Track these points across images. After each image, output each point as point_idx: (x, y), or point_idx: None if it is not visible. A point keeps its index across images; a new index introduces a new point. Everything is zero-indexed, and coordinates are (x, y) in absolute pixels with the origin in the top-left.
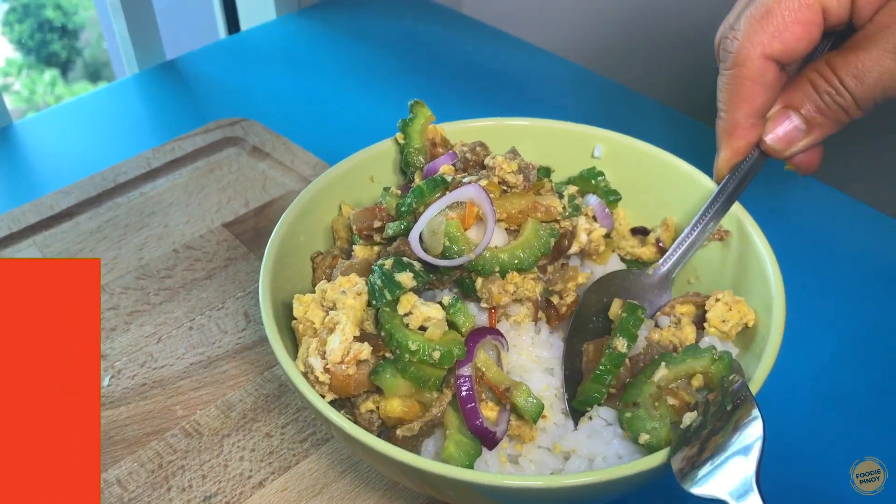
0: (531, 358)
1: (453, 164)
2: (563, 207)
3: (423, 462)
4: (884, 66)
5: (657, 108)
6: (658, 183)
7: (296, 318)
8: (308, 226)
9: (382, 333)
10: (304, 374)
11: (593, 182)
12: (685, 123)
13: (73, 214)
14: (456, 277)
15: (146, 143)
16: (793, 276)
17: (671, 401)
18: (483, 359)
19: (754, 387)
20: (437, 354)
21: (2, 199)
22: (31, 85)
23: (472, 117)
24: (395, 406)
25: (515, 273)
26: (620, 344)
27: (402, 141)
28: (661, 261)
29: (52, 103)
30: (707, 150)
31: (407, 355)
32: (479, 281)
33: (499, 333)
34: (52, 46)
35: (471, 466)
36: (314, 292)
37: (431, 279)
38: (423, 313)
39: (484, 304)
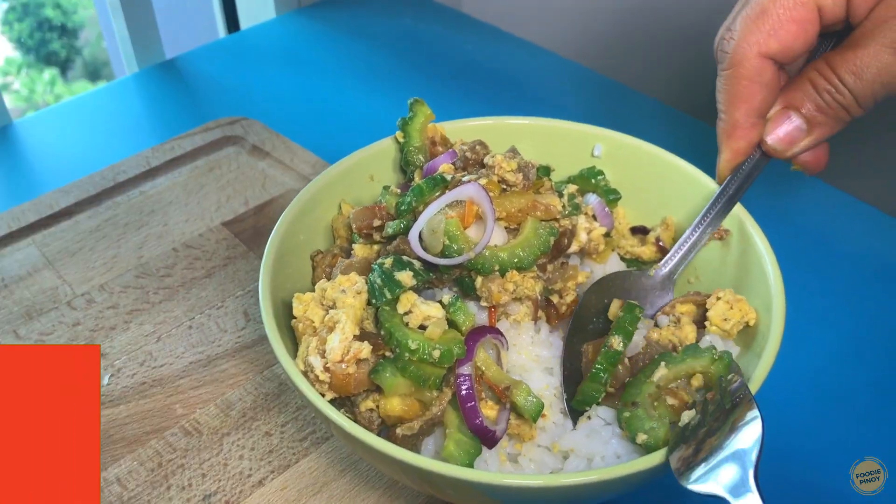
0: (531, 357)
1: (453, 163)
2: (563, 206)
3: (422, 461)
4: (882, 62)
5: (657, 107)
6: (658, 182)
7: (295, 317)
8: (308, 224)
9: (382, 332)
10: (304, 373)
11: (593, 181)
12: (685, 122)
13: (72, 213)
14: (456, 276)
15: (146, 142)
16: (793, 276)
17: (671, 401)
18: (483, 358)
19: (754, 386)
20: (436, 353)
21: (1, 198)
22: (30, 84)
23: (472, 116)
24: (394, 405)
25: (515, 272)
26: (616, 342)
27: (401, 139)
28: (662, 262)
29: (51, 102)
30: (707, 150)
31: (407, 354)
32: (479, 280)
33: (498, 332)
34: (52, 45)
35: (470, 465)
36: (314, 291)
37: (431, 278)
38: (423, 312)
39: (483, 303)
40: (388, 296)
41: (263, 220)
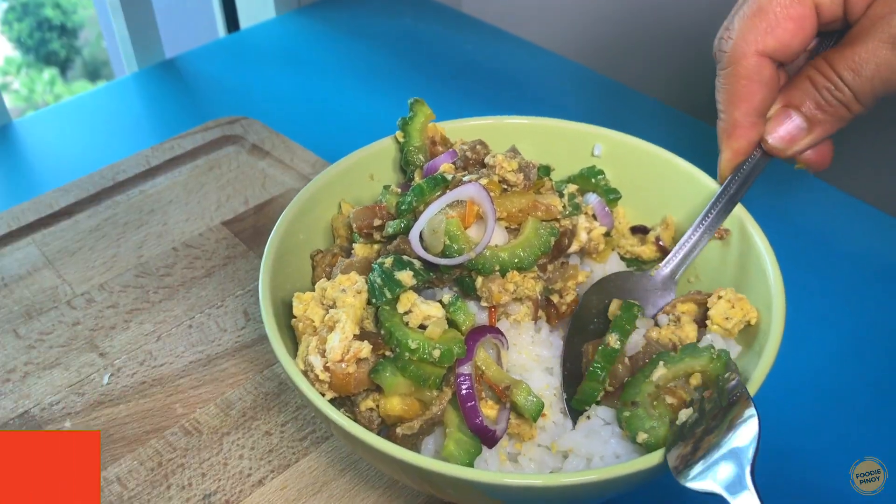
0: (531, 357)
1: (453, 163)
2: (563, 206)
3: (422, 460)
4: (880, 57)
5: (657, 107)
6: (658, 181)
7: (295, 317)
8: (308, 224)
9: (382, 332)
10: (304, 373)
11: (593, 181)
12: (685, 122)
13: (72, 213)
14: (456, 276)
15: (145, 142)
16: (793, 276)
17: (670, 400)
18: (483, 357)
19: (754, 386)
20: (436, 353)
21: (1, 197)
22: (30, 83)
23: (472, 116)
24: (394, 404)
25: (515, 272)
26: (613, 340)
27: (401, 139)
28: (663, 262)
29: (51, 102)
30: (708, 150)
31: (407, 354)
32: (479, 279)
33: (499, 332)
34: (52, 45)
35: (470, 465)
36: (314, 290)
37: (431, 277)
38: (423, 312)
39: (484, 303)
40: (389, 295)
41: (263, 219)
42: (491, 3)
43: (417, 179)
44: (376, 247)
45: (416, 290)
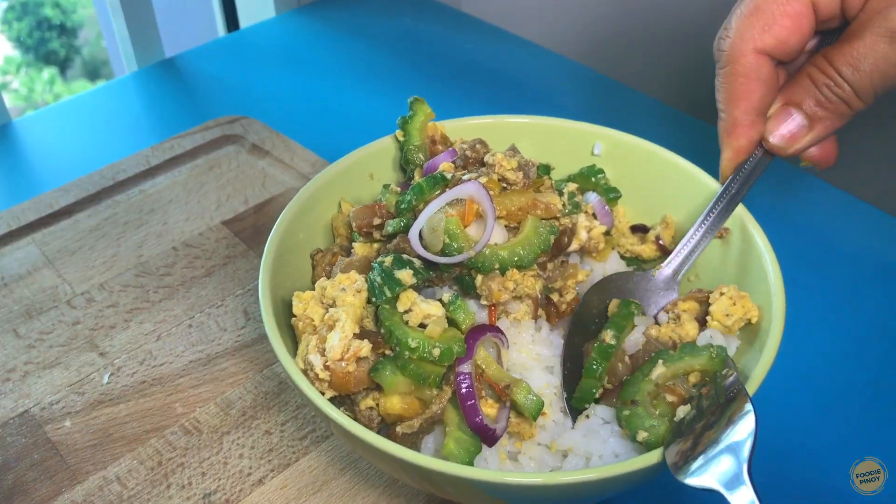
0: (531, 355)
1: (453, 162)
2: (563, 205)
3: (422, 459)
4: (878, 52)
5: (657, 106)
6: (658, 180)
7: (295, 316)
8: (307, 223)
9: (382, 330)
10: (304, 372)
11: (593, 179)
12: (685, 122)
13: (72, 212)
14: (456, 274)
15: (145, 141)
16: (793, 275)
17: (670, 398)
18: (483, 356)
19: (753, 385)
20: (436, 351)
21: (1, 196)
22: (29, 83)
23: (472, 115)
24: (394, 403)
25: (515, 270)
26: (608, 336)
27: (401, 138)
28: (665, 263)
29: (50, 101)
30: (708, 149)
31: (407, 352)
32: (479, 278)
33: (499, 331)
34: (51, 44)
35: (470, 463)
36: (314, 290)
37: (431, 276)
38: (423, 310)
39: (484, 302)
40: (388, 294)
41: (263, 218)
42: (491, 3)
43: (417, 178)
44: (376, 246)
45: (416, 288)
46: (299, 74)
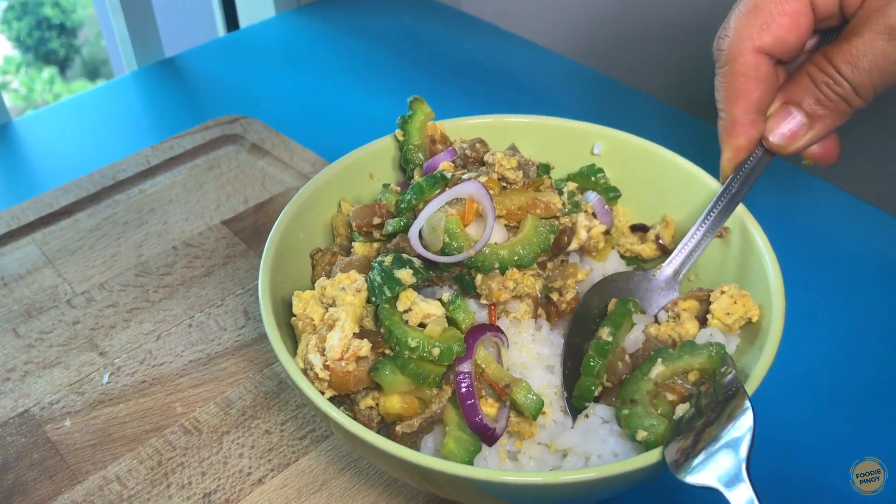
0: (532, 355)
1: (453, 161)
2: (563, 204)
3: (422, 458)
4: (877, 49)
5: (657, 105)
6: (657, 180)
7: (295, 315)
8: (307, 223)
9: (382, 330)
10: (304, 371)
11: (593, 179)
12: (685, 121)
13: (72, 212)
14: (455, 274)
15: (145, 141)
16: (793, 274)
17: (671, 397)
18: (483, 355)
19: (753, 384)
20: (436, 351)
21: (1, 196)
22: (29, 83)
23: (472, 114)
24: (394, 402)
25: (515, 269)
26: (605, 333)
27: (401, 138)
28: (665, 262)
29: (50, 101)
30: (708, 149)
31: (406, 352)
32: (479, 277)
33: (499, 330)
34: (51, 44)
35: (470, 463)
36: (314, 289)
37: (431, 276)
38: (423, 310)
39: (483, 301)
40: (388, 293)
41: (263, 218)
42: (490, 2)
43: (417, 178)
44: (376, 245)
45: (416, 288)
46: (299, 74)
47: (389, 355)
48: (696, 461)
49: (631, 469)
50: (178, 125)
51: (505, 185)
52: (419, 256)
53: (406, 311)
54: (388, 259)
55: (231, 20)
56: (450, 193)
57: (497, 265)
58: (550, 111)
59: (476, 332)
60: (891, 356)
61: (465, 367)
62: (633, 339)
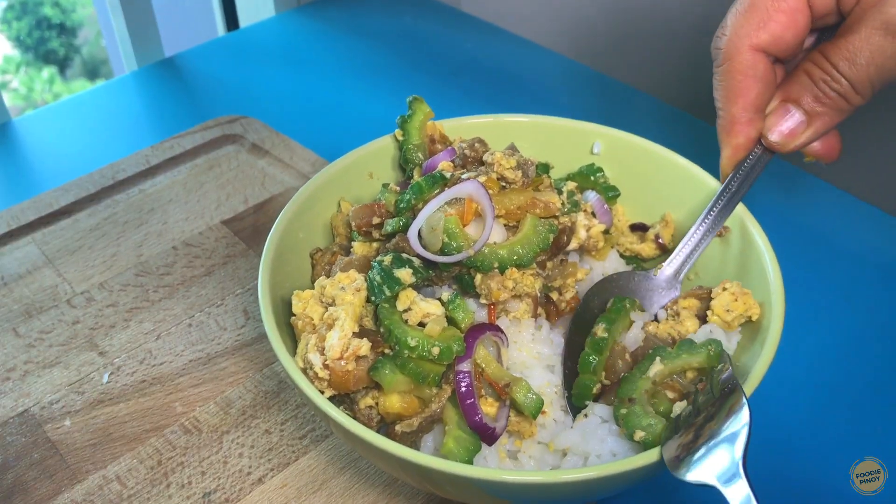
0: (532, 354)
1: (452, 161)
2: (562, 203)
3: (422, 458)
4: (874, 44)
5: (656, 105)
6: (657, 179)
7: (295, 315)
8: (307, 222)
9: (381, 329)
10: (304, 371)
11: (592, 178)
12: (684, 120)
13: (72, 212)
14: (455, 273)
15: (145, 141)
16: (792, 274)
17: (670, 394)
18: (483, 355)
19: (752, 383)
20: (436, 350)
21: (1, 196)
22: (28, 82)
23: (471, 114)
24: (394, 402)
25: (514, 269)
26: (600, 329)
27: (400, 137)
28: (666, 262)
29: (50, 101)
30: (708, 148)
31: (406, 351)
32: (478, 277)
33: (498, 329)
34: (51, 44)
35: (470, 462)
36: (313, 289)
37: (430, 275)
38: (423, 309)
39: (483, 300)
40: (388, 293)
41: (263, 218)
42: (490, 2)
43: (416, 177)
44: (375, 245)
45: (416, 287)
46: (299, 74)
47: (389, 355)
48: (696, 457)
49: (631, 468)
50: (178, 125)
51: (504, 184)
52: (418, 256)
53: (405, 311)
54: (387, 258)
55: (231, 20)
56: (449, 193)
57: (496, 265)
58: (550, 111)
59: (476, 332)
60: (891, 356)
61: (465, 366)
62: (633, 337)
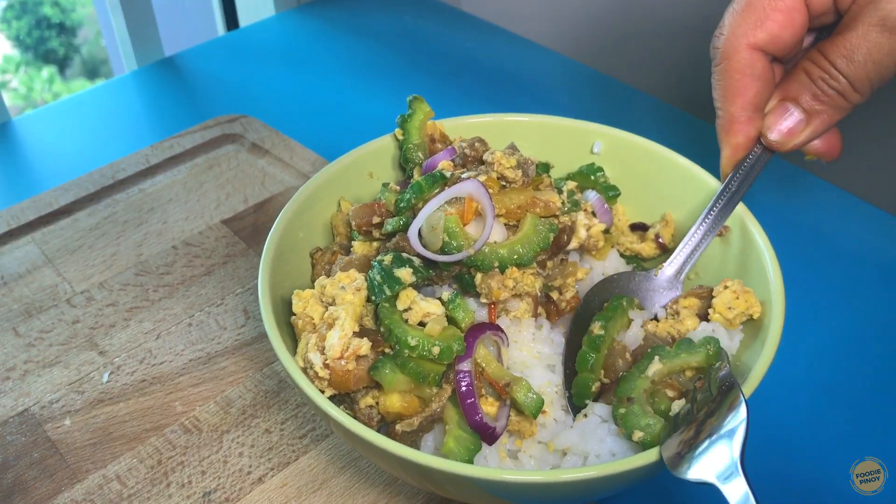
0: (532, 354)
1: (452, 160)
2: (563, 203)
3: (422, 457)
4: (871, 41)
5: (656, 104)
6: (657, 179)
7: (295, 314)
8: (307, 222)
9: (382, 329)
10: (304, 370)
11: (592, 178)
12: (684, 120)
13: (71, 211)
14: (455, 273)
15: (145, 140)
16: (792, 273)
17: (670, 393)
18: (483, 354)
19: (752, 383)
20: (436, 350)
21: (0, 195)
22: (28, 82)
23: (471, 113)
24: (394, 401)
25: (515, 268)
26: (596, 327)
27: (400, 137)
28: (667, 262)
29: (49, 100)
30: (707, 147)
31: (406, 351)
32: (479, 276)
33: (499, 329)
34: (50, 43)
35: (470, 461)
36: (313, 288)
37: (431, 275)
38: (423, 309)
39: (483, 300)
40: (388, 292)
41: (263, 217)
42: (490, 1)
43: (416, 177)
44: (375, 244)
45: (416, 287)
46: (299, 73)
47: (389, 354)
48: (693, 458)
49: (631, 468)
50: (178, 124)
51: (504, 183)
52: (419, 255)
53: (406, 310)
54: (387, 258)
55: (231, 19)
56: (449, 192)
57: (496, 264)
58: (550, 110)
59: (476, 331)
60: (891, 356)
61: (465, 365)
62: (633, 336)
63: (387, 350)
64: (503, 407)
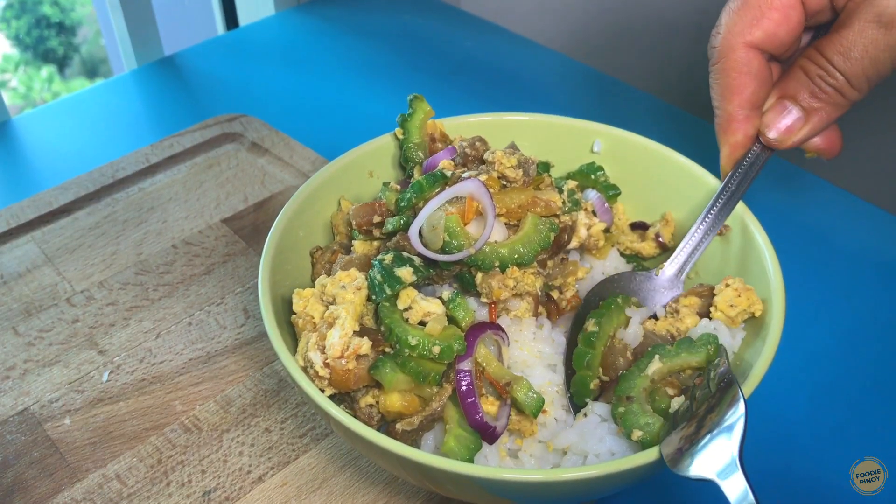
0: (533, 353)
1: (452, 159)
2: (563, 202)
3: (422, 456)
4: (867, 37)
5: (656, 103)
6: (657, 178)
7: (295, 313)
8: (307, 221)
9: (382, 328)
10: (304, 369)
11: (592, 177)
12: (684, 119)
13: (71, 210)
14: (456, 272)
15: (144, 139)
16: (793, 272)
17: (670, 391)
18: (483, 353)
19: (752, 382)
20: (436, 349)
21: (0, 194)
22: (27, 81)
23: (471, 112)
24: (394, 400)
25: (515, 268)
26: (591, 324)
27: (401, 136)
28: (668, 262)
29: (49, 99)
30: (707, 146)
31: (407, 350)
32: (479, 275)
33: (499, 328)
34: (50, 43)
35: (470, 460)
36: (314, 287)
37: (431, 274)
38: (423, 308)
39: (484, 299)
40: (388, 292)
41: (263, 216)
42: (490, 1)
43: (417, 176)
44: (376, 243)
45: (416, 286)
46: (299, 72)
47: (389, 353)
48: (692, 455)
49: (632, 467)
50: (178, 123)
51: (505, 183)
52: (419, 255)
53: (406, 310)
54: (388, 257)
55: (230, 18)
56: (450, 192)
57: (497, 263)
58: (550, 109)
59: (476, 330)
60: (891, 355)
61: (466, 365)
62: (633, 334)
63: (387, 349)
64: (504, 406)
